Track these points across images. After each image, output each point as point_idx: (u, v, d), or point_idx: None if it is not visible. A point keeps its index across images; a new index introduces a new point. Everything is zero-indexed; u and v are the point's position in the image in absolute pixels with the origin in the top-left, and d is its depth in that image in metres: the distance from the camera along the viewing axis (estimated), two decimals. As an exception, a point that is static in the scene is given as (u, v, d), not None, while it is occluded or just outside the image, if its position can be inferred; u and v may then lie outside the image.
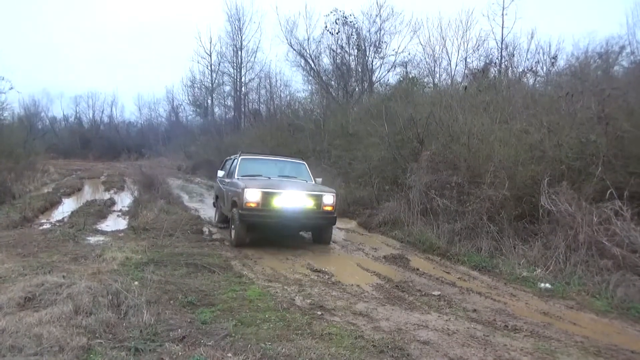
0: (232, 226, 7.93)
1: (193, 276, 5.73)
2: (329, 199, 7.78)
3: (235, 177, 8.49)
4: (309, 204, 7.64)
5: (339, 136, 16.10)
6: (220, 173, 9.76)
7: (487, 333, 4.29)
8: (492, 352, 3.85)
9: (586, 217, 6.20)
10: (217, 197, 10.56)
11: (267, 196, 7.41)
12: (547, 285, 5.81)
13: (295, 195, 7.58)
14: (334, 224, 8.11)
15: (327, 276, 6.21)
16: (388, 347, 3.81)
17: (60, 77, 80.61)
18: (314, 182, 8.86)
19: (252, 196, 7.37)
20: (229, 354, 3.47)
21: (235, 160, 9.20)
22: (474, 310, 4.96)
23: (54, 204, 13.07)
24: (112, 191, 17.24)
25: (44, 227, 9.21)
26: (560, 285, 5.74)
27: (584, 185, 6.75)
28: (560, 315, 4.91)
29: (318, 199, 7.71)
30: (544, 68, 13.16)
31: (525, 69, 13.70)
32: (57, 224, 9.46)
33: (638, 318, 4.78)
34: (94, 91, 72.01)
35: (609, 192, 6.27)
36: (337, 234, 9.59)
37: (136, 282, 4.98)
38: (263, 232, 8.10)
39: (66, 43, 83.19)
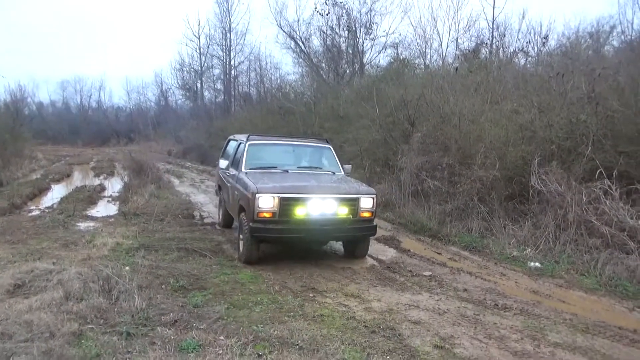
0: (241, 236, 6.05)
1: (184, 260, 5.72)
2: (367, 202, 5.95)
3: (243, 170, 6.55)
4: (342, 211, 5.79)
5: (330, 119, 16.01)
6: (223, 163, 7.45)
7: (477, 312, 4.34)
8: (482, 331, 3.90)
9: (576, 197, 6.25)
10: (219, 188, 8.47)
11: (286, 204, 5.57)
12: (537, 264, 5.87)
13: (324, 201, 5.72)
14: (374, 235, 6.28)
15: (318, 259, 6.22)
16: (379, 327, 3.85)
17: (45, 62, 79.22)
18: (342, 172, 7.04)
19: (266, 204, 5.54)
20: (221, 337, 3.48)
21: (242, 144, 7.12)
22: (465, 290, 5.01)
23: (42, 190, 12.95)
24: (101, 177, 17.09)
25: (33, 213, 9.13)
26: (550, 264, 5.80)
27: (573, 165, 6.78)
28: (549, 293, 4.97)
29: (354, 204, 5.86)
30: (535, 48, 13.08)
31: (517, 49, 13.61)
32: (47, 211, 9.38)
33: (625, 295, 4.86)
34: (81, 76, 71.03)
35: (598, 171, 6.31)
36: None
37: (127, 268, 4.96)
38: (280, 246, 6.57)
39: (49, 26, 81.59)
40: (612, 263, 5.42)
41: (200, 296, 4.42)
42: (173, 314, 3.85)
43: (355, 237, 6.19)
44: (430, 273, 5.61)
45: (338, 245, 6.79)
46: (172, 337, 3.41)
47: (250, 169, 6.58)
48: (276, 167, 6.70)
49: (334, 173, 6.91)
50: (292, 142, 7.65)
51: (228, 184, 7.25)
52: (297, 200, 5.62)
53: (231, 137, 8.59)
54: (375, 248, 6.92)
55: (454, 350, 3.51)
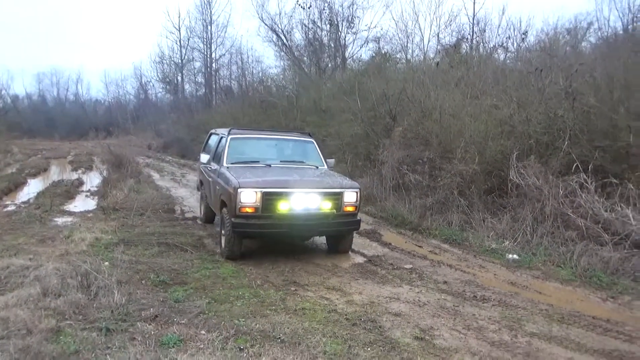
0: (222, 232, 5.98)
1: (165, 255, 5.68)
2: (351, 197, 5.90)
3: (224, 164, 6.45)
4: (325, 206, 5.73)
5: (312, 112, 16.00)
6: (204, 157, 7.35)
7: (456, 304, 4.41)
8: (461, 322, 3.96)
9: (552, 190, 6.38)
10: (201, 184, 8.40)
11: (269, 199, 5.48)
12: (515, 256, 5.98)
13: (307, 196, 5.65)
14: (358, 229, 6.24)
15: (300, 253, 6.23)
16: (361, 319, 3.89)
17: (20, 53, 77.19)
18: (326, 167, 6.96)
19: (248, 198, 5.45)
20: (203, 331, 3.47)
21: (223, 138, 7.03)
22: (445, 282, 5.08)
23: (18, 185, 12.66)
24: (79, 171, 16.78)
25: (9, 209, 8.93)
26: (527, 256, 5.92)
27: (551, 159, 6.92)
28: (526, 284, 5.08)
29: (337, 198, 5.80)
30: (515, 44, 13.26)
31: (496, 45, 13.81)
32: (23, 206, 9.19)
33: (600, 286, 4.98)
34: (58, 68, 69.21)
35: (574, 165, 6.45)
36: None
37: (106, 263, 4.90)
38: (262, 241, 6.49)
39: (25, 16, 79.46)
40: (587, 255, 5.55)
41: (181, 291, 4.39)
42: (153, 309, 3.82)
43: (339, 232, 6.13)
44: (411, 266, 5.67)
45: (321, 240, 6.80)
46: (152, 332, 3.38)
47: (232, 163, 6.48)
48: (258, 162, 6.62)
49: (317, 167, 6.85)
50: (274, 136, 7.58)
51: (209, 179, 7.12)
52: (280, 195, 5.53)
53: (212, 131, 8.46)
54: (356, 242, 6.94)
55: (433, 341, 3.57)
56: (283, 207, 5.52)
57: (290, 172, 6.29)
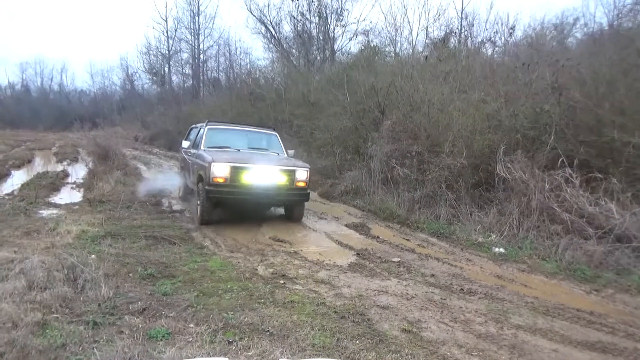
0: (198, 202, 7.40)
1: (153, 248, 5.64)
2: (302, 174, 7.37)
3: (202, 148, 7.91)
4: (281, 179, 7.19)
5: (300, 105, 15.94)
6: (185, 143, 9.05)
7: (444, 297, 4.45)
8: (448, 315, 4.01)
9: (539, 185, 6.46)
10: (181, 168, 9.92)
11: (236, 171, 6.89)
12: (501, 249, 6.06)
13: (266, 171, 7.14)
14: (307, 200, 7.72)
15: (289, 246, 6.24)
16: (349, 312, 3.90)
17: (2, 42, 75.52)
18: (286, 154, 8.39)
19: (220, 171, 6.84)
20: (191, 325, 3.46)
21: (202, 129, 8.54)
22: (432, 275, 5.12)
23: (1, 176, 12.42)
24: (65, 163, 16.54)
25: (-8, 200, 8.76)
26: (513, 250, 5.99)
27: (537, 154, 6.99)
28: (512, 278, 5.15)
29: (291, 174, 7.26)
30: (502, 38, 13.29)
31: (484, 39, 13.83)
32: (6, 198, 9.02)
33: (584, 279, 5.07)
34: (42, 57, 68.09)
35: (560, 160, 6.53)
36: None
37: (93, 256, 4.85)
38: (231, 209, 7.61)
39: (7, 3, 77.69)
40: (571, 248, 5.64)
41: (169, 284, 4.37)
42: (141, 303, 3.80)
43: (291, 202, 7.66)
44: (399, 259, 5.71)
45: (309, 235, 6.81)
46: (140, 326, 3.36)
47: (208, 147, 7.92)
48: (229, 147, 8.01)
49: (278, 154, 8.32)
50: (244, 128, 9.20)
51: (189, 161, 8.54)
52: (245, 169, 6.95)
53: (193, 125, 10.00)
54: (345, 235, 6.98)
55: (421, 333, 3.60)
56: (247, 179, 6.94)
57: (255, 155, 7.79)
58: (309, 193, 7.66)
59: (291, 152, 8.61)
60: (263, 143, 8.67)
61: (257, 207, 7.91)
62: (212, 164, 6.83)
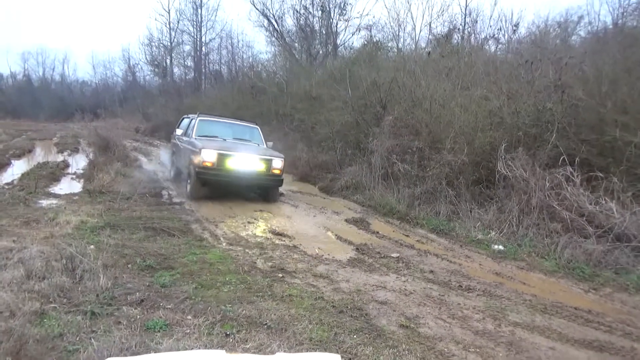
0: (189, 181, 8.65)
1: (152, 240, 5.62)
2: (277, 163, 8.47)
3: (193, 136, 9.06)
4: (259, 166, 8.32)
5: (302, 100, 15.90)
6: (178, 131, 10.29)
7: (442, 293, 4.45)
8: (446, 311, 4.01)
9: (539, 182, 6.45)
10: (173, 153, 11.23)
11: (222, 157, 8.03)
12: (500, 247, 6.05)
13: (248, 158, 8.28)
14: (281, 185, 8.84)
15: (288, 239, 6.24)
16: (347, 307, 3.90)
17: (5, 31, 75.28)
18: (265, 146, 9.55)
19: (208, 156, 7.97)
20: (189, 317, 3.46)
21: (193, 120, 9.71)
22: (431, 272, 5.12)
23: (2, 166, 12.39)
24: (65, 153, 16.50)
25: (-8, 190, 8.76)
26: (513, 247, 5.99)
27: (538, 152, 6.98)
28: (511, 275, 5.15)
29: (268, 162, 8.39)
30: (506, 35, 13.29)
31: (488, 36, 13.82)
32: (6, 187, 9.01)
33: (582, 277, 5.07)
34: (44, 47, 67.91)
35: (561, 158, 6.52)
36: (300, 197, 9.64)
37: (92, 246, 4.84)
38: (216, 188, 8.63)
39: (10, -6, 77.28)
40: (570, 247, 5.64)
41: (168, 276, 4.36)
42: (139, 294, 3.80)
43: (268, 186, 8.79)
44: (398, 255, 5.71)
45: (307, 231, 6.80)
46: (138, 317, 3.36)
47: (198, 136, 9.10)
48: (217, 137, 9.20)
49: (258, 145, 9.50)
50: (230, 121, 10.40)
51: (182, 146, 9.81)
52: (229, 155, 8.12)
53: (185, 116, 11.43)
54: (344, 229, 6.98)
55: (418, 329, 3.60)
56: (231, 164, 8.10)
57: (238, 144, 8.98)
58: (283, 179, 8.82)
59: (270, 143, 9.76)
60: (246, 135, 9.81)
61: (237, 189, 9.03)
62: (202, 150, 8.02)
